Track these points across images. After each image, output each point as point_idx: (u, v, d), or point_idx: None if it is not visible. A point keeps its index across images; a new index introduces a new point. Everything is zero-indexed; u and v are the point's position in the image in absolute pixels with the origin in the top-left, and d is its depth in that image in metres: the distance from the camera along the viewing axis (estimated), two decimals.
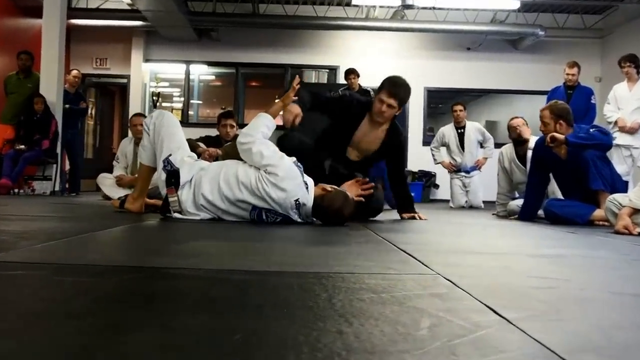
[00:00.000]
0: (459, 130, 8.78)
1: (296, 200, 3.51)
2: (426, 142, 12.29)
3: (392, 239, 2.81)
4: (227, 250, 2.26)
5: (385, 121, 4.39)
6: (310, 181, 3.62)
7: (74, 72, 9.58)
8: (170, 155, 3.79)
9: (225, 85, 14.06)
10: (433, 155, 8.89)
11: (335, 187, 3.67)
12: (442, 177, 11.33)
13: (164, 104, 13.50)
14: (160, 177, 3.82)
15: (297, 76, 4.21)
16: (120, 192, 6.68)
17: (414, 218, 4.60)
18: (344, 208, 3.58)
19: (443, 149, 8.92)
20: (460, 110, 8.74)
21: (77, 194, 9.16)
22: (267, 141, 3.67)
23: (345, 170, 4.35)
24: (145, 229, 3.24)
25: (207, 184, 3.66)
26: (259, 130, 3.69)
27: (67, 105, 9.25)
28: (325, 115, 4.42)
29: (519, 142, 6.14)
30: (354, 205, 3.65)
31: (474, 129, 8.77)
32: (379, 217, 4.60)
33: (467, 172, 8.67)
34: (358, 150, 4.44)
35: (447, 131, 8.86)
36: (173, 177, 3.72)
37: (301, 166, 3.63)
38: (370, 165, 4.68)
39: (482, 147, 8.79)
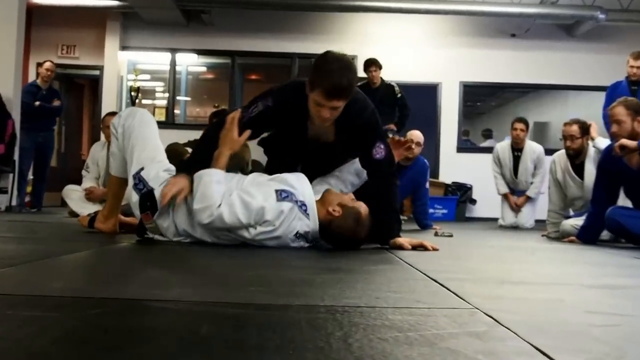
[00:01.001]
0: (516, 153, 8.77)
1: (295, 234, 3.51)
2: (461, 148, 12.30)
3: (420, 265, 2.81)
4: (219, 279, 2.25)
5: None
6: (308, 200, 3.53)
7: (47, 65, 9.64)
8: (141, 169, 3.68)
9: (219, 78, 14.11)
10: (496, 182, 8.88)
11: (343, 203, 3.55)
12: (481, 190, 11.31)
13: (144, 101, 13.56)
14: (131, 197, 3.71)
15: (236, 112, 3.76)
16: (90, 208, 6.71)
17: (421, 247, 3.77)
18: (357, 232, 3.54)
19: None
20: (522, 130, 8.67)
21: (38, 210, 9.19)
22: (233, 197, 3.41)
23: (321, 170, 4.13)
24: (119, 253, 3.25)
25: (183, 215, 3.58)
26: (213, 191, 3.42)
27: (37, 103, 9.31)
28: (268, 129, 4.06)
29: (577, 152, 6.11)
30: (368, 225, 3.57)
31: (532, 153, 8.73)
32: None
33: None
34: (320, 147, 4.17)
35: (503, 150, 8.86)
36: (148, 199, 3.59)
37: (288, 191, 3.49)
38: (349, 155, 4.12)
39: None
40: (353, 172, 4.09)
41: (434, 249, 3.72)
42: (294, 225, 3.48)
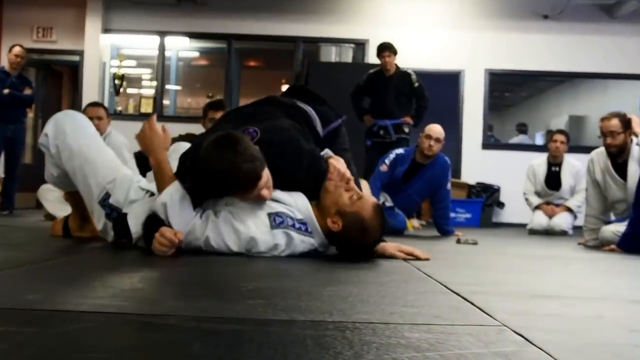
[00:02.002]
0: (553, 168, 8.85)
1: (300, 252, 3.51)
2: (487, 144, 12.27)
3: (440, 276, 2.80)
4: (213, 290, 2.25)
5: None
6: (306, 215, 3.48)
7: (17, 50, 9.66)
8: (107, 197, 3.69)
9: (214, 65, 14.15)
10: (528, 200, 9.01)
11: (342, 210, 3.44)
12: (510, 192, 11.29)
13: (129, 90, 13.58)
14: (103, 230, 3.75)
15: (152, 116, 3.85)
16: (68, 210, 6.72)
17: (412, 257, 3.67)
18: (365, 240, 3.50)
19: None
20: (562, 142, 8.83)
21: (10, 212, 9.21)
22: (220, 221, 3.41)
23: None
24: (101, 260, 3.25)
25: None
26: (179, 222, 3.40)
27: (6, 91, 9.33)
28: None
29: (620, 150, 6.08)
30: (379, 225, 3.50)
31: (572, 168, 8.82)
32: (421, 247, 4.57)
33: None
34: None
35: (538, 166, 8.99)
36: (122, 226, 3.62)
37: (281, 213, 3.45)
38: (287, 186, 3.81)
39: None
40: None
41: (426, 259, 3.64)
42: (298, 249, 3.48)
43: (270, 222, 3.41)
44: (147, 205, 3.60)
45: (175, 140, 5.65)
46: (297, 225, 3.46)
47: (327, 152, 3.83)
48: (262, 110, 3.87)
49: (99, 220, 3.75)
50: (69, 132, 3.78)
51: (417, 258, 3.64)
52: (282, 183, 3.52)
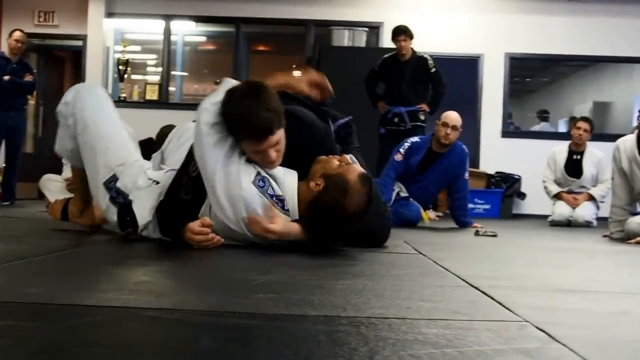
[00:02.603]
0: (574, 157, 8.85)
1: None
2: (506, 132, 12.23)
3: (459, 269, 2.80)
4: (221, 283, 2.26)
5: None
6: (289, 194, 3.42)
7: (17, 34, 9.67)
8: (114, 179, 3.68)
9: (221, 50, 14.13)
10: (547, 188, 9.03)
11: (328, 172, 3.34)
12: (531, 182, 11.25)
13: (134, 77, 13.60)
14: (106, 211, 3.73)
15: None
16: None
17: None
18: (346, 206, 3.27)
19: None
20: (585, 131, 8.85)
21: (11, 203, 9.25)
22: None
23: None
24: (105, 252, 3.26)
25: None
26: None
27: (6, 77, 9.35)
28: None
29: None
30: (365, 194, 3.31)
31: (594, 157, 8.82)
32: (438, 239, 4.57)
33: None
34: None
35: (559, 153, 9.00)
36: (127, 214, 3.63)
37: (266, 179, 3.41)
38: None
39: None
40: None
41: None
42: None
43: (255, 179, 3.37)
44: (154, 193, 3.61)
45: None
46: (275, 200, 3.38)
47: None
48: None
49: (103, 201, 3.72)
50: (88, 105, 3.78)
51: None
52: (288, 156, 3.51)
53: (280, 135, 3.36)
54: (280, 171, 3.45)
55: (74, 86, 3.94)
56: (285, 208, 3.41)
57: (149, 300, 1.83)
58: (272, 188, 3.39)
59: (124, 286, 2.15)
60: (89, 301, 1.79)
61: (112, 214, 3.69)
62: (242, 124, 3.32)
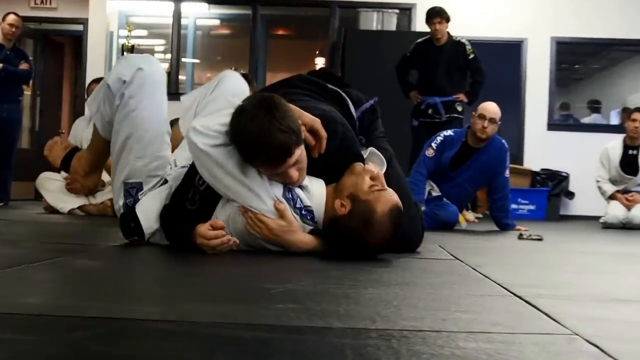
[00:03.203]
0: (630, 152, 8.82)
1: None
2: (553, 124, 12.18)
3: (500, 277, 2.79)
4: (237, 293, 2.26)
5: None
6: (316, 206, 3.45)
7: (12, 18, 9.72)
8: (138, 186, 3.71)
9: (237, 34, 14.17)
10: (601, 189, 9.03)
11: (356, 195, 3.32)
12: (580, 180, 11.21)
13: None
14: (119, 211, 3.76)
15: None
16: (73, 201, 6.79)
17: None
18: (365, 238, 3.30)
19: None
20: None
21: (5, 204, 9.31)
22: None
23: None
24: (108, 257, 3.27)
25: None
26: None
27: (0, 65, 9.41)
28: None
29: None
30: (390, 230, 3.31)
31: None
32: (477, 243, 4.55)
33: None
34: None
35: (612, 149, 8.98)
36: (131, 219, 3.64)
37: (294, 191, 3.45)
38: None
39: None
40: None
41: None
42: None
43: (284, 192, 3.39)
44: (161, 196, 3.63)
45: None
46: (304, 212, 3.42)
47: (371, 151, 3.78)
48: (295, 91, 3.85)
49: (117, 200, 3.76)
50: (147, 83, 3.69)
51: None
52: (310, 165, 3.49)
53: (300, 152, 3.31)
54: (305, 180, 3.47)
55: (134, 61, 3.77)
56: (315, 220, 3.44)
57: (157, 311, 1.84)
58: (301, 199, 3.42)
59: (129, 295, 2.16)
60: (91, 312, 1.79)
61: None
62: (254, 149, 3.26)
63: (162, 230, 3.60)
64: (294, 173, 3.33)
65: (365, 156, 3.69)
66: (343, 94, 3.96)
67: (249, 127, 3.18)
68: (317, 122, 3.39)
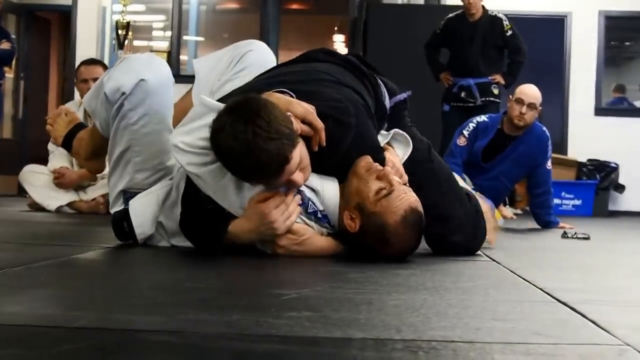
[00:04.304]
0: None
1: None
2: (600, 109, 12.13)
3: (541, 281, 2.78)
4: (244, 299, 2.27)
5: None
6: (331, 209, 3.46)
7: None
8: (131, 193, 3.73)
9: (245, 9, 14.17)
10: None
11: (365, 206, 3.30)
12: (632, 171, 11.17)
13: (136, 43, 13.66)
14: (112, 206, 3.80)
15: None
16: (61, 197, 6.79)
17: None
18: (386, 251, 3.33)
19: None
20: None
21: None
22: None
23: None
24: (102, 261, 3.28)
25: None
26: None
27: None
28: None
29: None
30: (410, 241, 3.34)
31: None
32: (516, 243, 4.54)
33: None
34: None
35: None
36: (125, 219, 3.67)
37: (305, 196, 3.45)
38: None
39: None
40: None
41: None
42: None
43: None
44: (154, 196, 3.66)
45: None
46: (320, 216, 3.44)
47: (395, 132, 3.77)
48: (306, 73, 3.80)
49: (113, 206, 3.78)
50: (147, 109, 3.64)
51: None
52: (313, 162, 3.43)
53: (298, 152, 3.20)
54: (316, 181, 3.45)
55: (136, 68, 3.66)
56: (332, 224, 3.45)
57: (157, 320, 1.84)
58: (313, 203, 3.42)
59: (125, 303, 2.17)
60: (81, 322, 1.80)
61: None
62: (246, 169, 3.18)
63: (160, 233, 3.62)
64: (298, 177, 3.25)
65: (387, 139, 3.70)
66: (379, 79, 3.93)
67: (232, 146, 3.04)
68: (309, 113, 3.27)
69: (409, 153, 3.72)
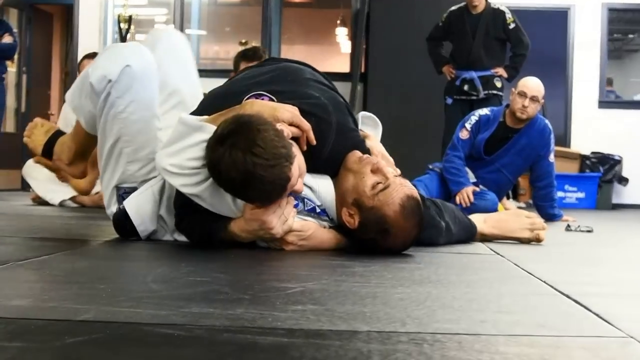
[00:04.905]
0: None
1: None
2: (605, 102, 12.13)
3: (545, 274, 2.79)
4: (247, 292, 2.26)
5: None
6: (328, 204, 3.47)
7: None
8: (132, 191, 3.73)
9: (248, 2, 14.15)
10: None
11: (361, 202, 3.31)
12: (636, 164, 11.16)
13: (138, 37, 13.65)
14: (110, 212, 3.81)
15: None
16: (63, 192, 6.79)
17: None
18: (389, 243, 3.35)
19: None
20: None
21: None
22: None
23: None
24: (106, 255, 3.28)
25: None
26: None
27: None
28: None
29: None
30: (411, 230, 3.33)
31: None
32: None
33: None
34: None
35: None
36: (125, 219, 3.67)
37: (298, 196, 3.45)
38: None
39: None
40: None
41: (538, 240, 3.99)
42: None
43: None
44: (150, 192, 3.66)
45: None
46: (318, 211, 3.45)
47: (363, 114, 3.79)
48: (285, 69, 3.80)
49: (109, 205, 3.78)
50: (134, 95, 3.62)
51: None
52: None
53: (297, 165, 3.19)
54: (309, 179, 3.44)
55: (121, 54, 3.67)
56: (330, 217, 3.47)
57: (160, 313, 1.84)
58: (310, 200, 3.43)
59: (128, 296, 2.16)
60: (85, 315, 1.80)
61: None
62: (250, 195, 3.21)
63: (162, 226, 3.63)
64: (299, 186, 3.26)
65: (359, 125, 3.74)
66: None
67: (233, 177, 3.07)
68: (295, 116, 3.29)
69: (380, 133, 3.76)
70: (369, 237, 3.32)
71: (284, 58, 3.95)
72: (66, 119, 7.11)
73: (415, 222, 3.30)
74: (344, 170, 3.41)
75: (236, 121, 3.14)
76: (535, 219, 4.14)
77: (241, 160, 3.01)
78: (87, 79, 3.62)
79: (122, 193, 3.71)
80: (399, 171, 3.48)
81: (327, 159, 3.45)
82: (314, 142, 3.32)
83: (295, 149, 3.20)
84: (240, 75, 3.81)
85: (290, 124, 3.26)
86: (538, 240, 4.05)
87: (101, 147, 3.75)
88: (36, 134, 4.15)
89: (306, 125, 3.29)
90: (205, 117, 3.36)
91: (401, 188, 3.28)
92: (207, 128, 3.22)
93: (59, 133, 4.15)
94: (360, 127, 3.77)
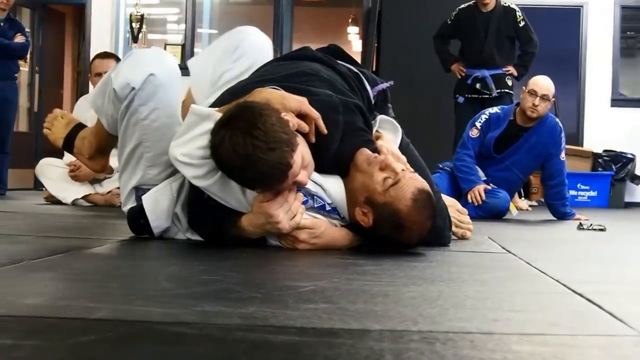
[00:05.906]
0: None
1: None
2: (617, 100, 12.09)
3: (558, 272, 2.78)
4: (258, 290, 2.27)
5: None
6: (338, 202, 3.46)
7: None
8: (143, 190, 3.73)
9: (260, 1, 14.15)
10: None
11: (373, 199, 3.29)
12: None
13: (150, 37, 13.66)
14: (124, 204, 3.83)
15: None
16: (76, 190, 6.80)
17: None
18: (403, 238, 3.35)
19: None
20: None
21: (2, 194, 9.36)
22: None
23: None
24: (118, 254, 3.29)
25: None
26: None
27: None
28: None
29: None
30: (424, 222, 3.32)
31: None
32: (531, 234, 4.54)
33: None
34: None
35: None
36: (140, 217, 3.67)
37: (307, 192, 3.44)
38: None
39: None
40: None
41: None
42: None
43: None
44: (169, 189, 3.66)
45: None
46: (328, 209, 3.43)
47: (382, 119, 3.78)
48: (298, 68, 3.79)
49: (125, 204, 3.80)
50: (157, 103, 3.67)
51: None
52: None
53: (299, 153, 3.19)
54: (318, 177, 3.45)
55: (145, 62, 3.68)
56: (342, 215, 3.46)
57: (172, 312, 1.85)
58: (320, 197, 3.42)
59: (140, 295, 2.17)
60: (100, 314, 1.80)
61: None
62: (250, 181, 3.22)
63: (176, 225, 3.64)
64: (302, 177, 3.25)
65: (375, 127, 3.71)
66: (358, 71, 3.93)
67: (233, 160, 3.08)
68: (304, 104, 3.29)
69: (399, 139, 3.74)
70: (384, 234, 3.31)
71: (304, 52, 3.89)
72: (78, 117, 7.11)
73: (428, 215, 3.29)
74: (354, 170, 3.40)
75: (239, 106, 3.16)
76: (465, 217, 4.11)
77: (241, 142, 3.02)
78: (110, 84, 3.64)
79: (141, 194, 3.70)
80: (404, 159, 3.49)
81: (334, 158, 3.44)
82: (325, 131, 3.32)
83: (300, 140, 3.20)
84: (255, 73, 3.80)
85: (299, 113, 3.27)
86: (463, 237, 4.05)
87: (121, 149, 3.77)
88: (57, 126, 4.19)
89: (315, 113, 3.29)
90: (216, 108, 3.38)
91: (412, 182, 3.27)
92: (216, 117, 3.22)
93: (79, 126, 4.17)
94: (379, 130, 3.75)
